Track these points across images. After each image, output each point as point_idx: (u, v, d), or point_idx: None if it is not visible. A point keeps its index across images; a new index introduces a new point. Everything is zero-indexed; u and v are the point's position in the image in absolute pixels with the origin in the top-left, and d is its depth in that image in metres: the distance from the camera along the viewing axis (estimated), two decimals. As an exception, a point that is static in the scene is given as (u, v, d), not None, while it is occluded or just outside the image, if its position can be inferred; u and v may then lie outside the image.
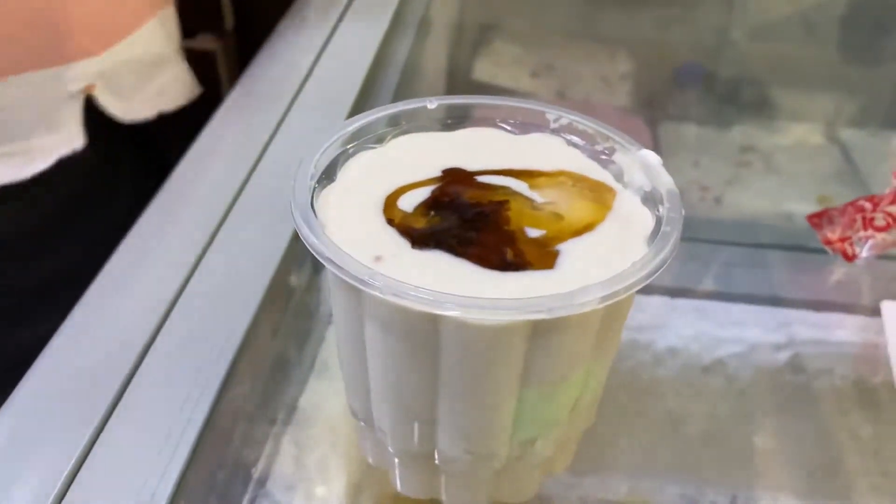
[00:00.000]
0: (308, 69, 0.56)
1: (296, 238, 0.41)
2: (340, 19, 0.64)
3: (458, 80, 0.77)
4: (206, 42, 0.95)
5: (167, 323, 0.36)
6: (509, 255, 0.24)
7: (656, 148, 0.69)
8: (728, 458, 0.40)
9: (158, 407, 0.32)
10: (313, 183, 0.26)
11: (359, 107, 0.53)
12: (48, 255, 0.54)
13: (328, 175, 0.27)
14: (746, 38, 0.85)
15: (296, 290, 0.43)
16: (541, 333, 0.23)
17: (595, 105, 0.76)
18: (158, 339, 0.35)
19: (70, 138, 0.52)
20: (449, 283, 0.23)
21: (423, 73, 0.72)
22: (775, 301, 0.47)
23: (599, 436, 0.34)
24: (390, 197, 0.26)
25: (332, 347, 0.43)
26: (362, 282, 0.22)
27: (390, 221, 0.25)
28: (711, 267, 0.50)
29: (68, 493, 0.29)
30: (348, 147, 0.28)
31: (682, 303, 0.47)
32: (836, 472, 0.40)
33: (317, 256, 0.23)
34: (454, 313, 0.21)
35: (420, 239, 0.24)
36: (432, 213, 0.25)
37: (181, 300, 0.37)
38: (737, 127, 0.72)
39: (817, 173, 0.65)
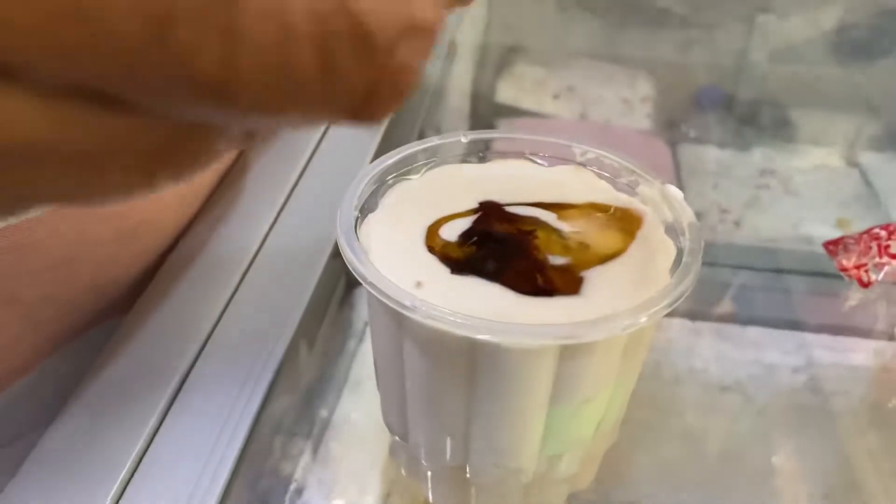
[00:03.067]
0: None
1: (329, 263, 0.43)
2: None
3: (482, 103, 0.79)
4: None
5: (209, 344, 0.38)
6: (539, 280, 0.25)
7: (676, 170, 0.70)
8: (745, 478, 0.41)
9: (202, 422, 0.34)
10: (356, 212, 0.28)
11: (390, 130, 0.56)
12: None
13: (370, 204, 0.29)
14: (767, 61, 0.86)
15: (330, 311, 0.45)
16: (569, 357, 0.25)
17: (616, 127, 0.77)
18: (200, 359, 0.37)
19: None
20: (484, 306, 0.24)
21: (448, 96, 0.74)
22: (794, 324, 0.48)
23: (619, 453, 0.35)
24: (431, 227, 0.28)
25: (363, 365, 0.45)
26: (404, 306, 0.24)
27: (431, 249, 0.27)
28: (731, 290, 0.51)
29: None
30: (388, 178, 0.30)
31: (702, 325, 0.48)
32: (853, 492, 0.41)
33: (361, 282, 0.25)
34: (490, 338, 0.23)
35: (458, 266, 0.26)
36: (469, 242, 0.27)
37: (223, 319, 0.39)
38: (756, 149, 0.73)
39: (836, 197, 0.66)
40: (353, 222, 0.28)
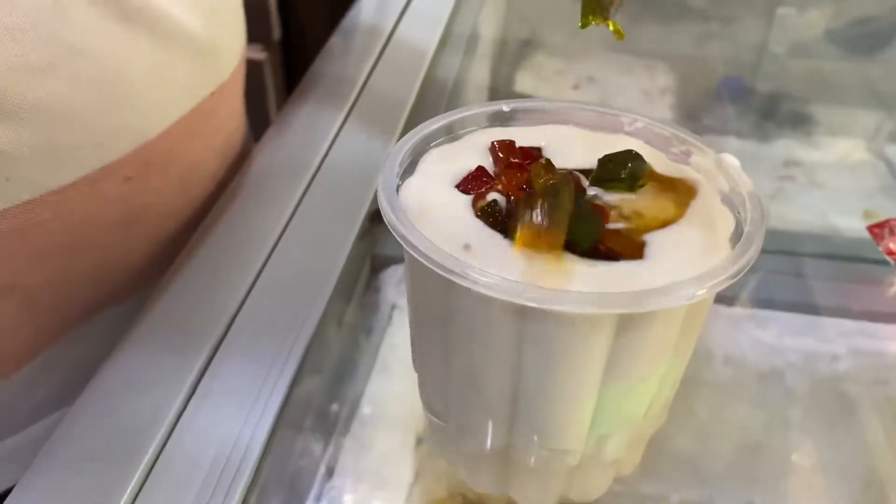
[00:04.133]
0: (363, 82, 0.57)
1: (355, 245, 0.42)
2: (391, 35, 0.65)
3: (501, 95, 0.78)
4: (253, 52, 0.97)
5: (232, 329, 0.37)
6: (601, 245, 0.24)
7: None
8: (780, 471, 0.40)
9: (228, 408, 0.33)
10: (398, 180, 0.27)
11: (413, 119, 0.54)
12: None
13: (410, 169, 0.28)
14: (788, 53, 0.85)
15: (356, 294, 0.44)
16: (626, 329, 0.23)
17: None
18: (224, 344, 0.36)
19: None
20: (539, 273, 0.23)
21: (467, 89, 0.73)
22: (834, 311, 0.47)
23: (652, 442, 0.34)
24: (478, 193, 0.26)
25: (391, 348, 0.43)
26: (451, 271, 0.23)
27: (478, 212, 0.25)
28: (770, 277, 0.50)
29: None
30: (428, 145, 0.29)
31: (739, 311, 0.47)
32: (892, 482, 0.39)
33: (405, 246, 0.24)
34: (546, 306, 0.22)
35: (510, 229, 0.25)
36: (522, 203, 0.26)
37: (247, 303, 0.38)
38: (780, 141, 0.72)
39: (863, 188, 0.65)
40: (395, 187, 0.26)
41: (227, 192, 0.46)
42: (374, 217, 0.46)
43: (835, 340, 0.46)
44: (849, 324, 0.46)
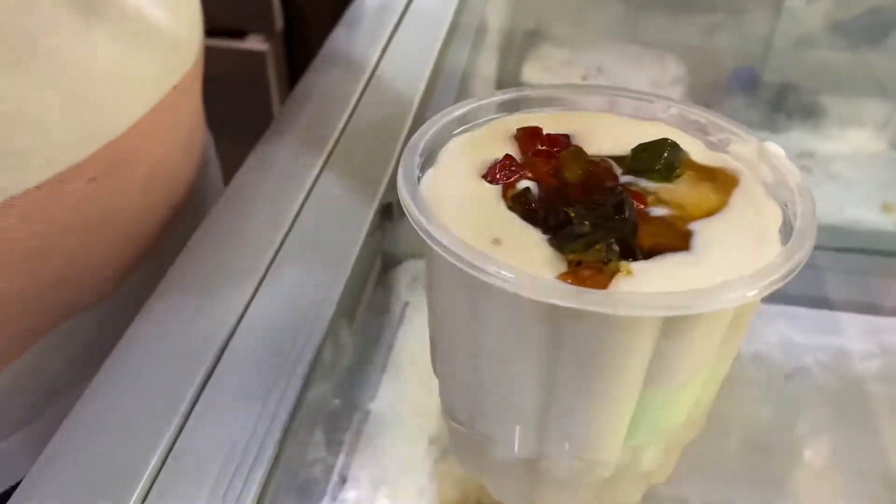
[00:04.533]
0: (369, 74, 0.55)
1: (365, 242, 0.40)
2: (396, 26, 0.63)
3: (510, 85, 0.76)
4: (255, 43, 0.95)
5: (238, 332, 0.35)
6: (644, 236, 0.22)
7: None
8: (806, 470, 0.39)
9: (235, 413, 0.31)
10: (418, 171, 0.25)
11: (422, 112, 0.52)
12: None
13: (431, 159, 0.26)
14: (797, 44, 0.83)
15: (366, 294, 0.42)
16: (671, 331, 0.21)
17: None
18: (229, 346, 0.34)
19: None
20: (576, 270, 0.21)
21: (474, 81, 0.71)
22: (866, 308, 0.45)
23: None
24: (507, 183, 0.24)
25: (402, 350, 0.41)
26: (479, 269, 0.21)
27: (509, 202, 0.23)
28: (798, 271, 0.48)
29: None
30: (451, 133, 0.27)
31: (766, 307, 0.45)
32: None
33: (430, 242, 0.22)
34: (587, 307, 0.20)
35: (543, 221, 0.23)
36: (555, 194, 0.24)
37: (252, 306, 0.36)
38: (793, 133, 0.70)
39: (880, 180, 0.63)
40: (416, 178, 0.24)
41: (231, 186, 0.44)
42: (385, 212, 0.44)
43: (867, 338, 0.44)
44: (883, 321, 0.44)
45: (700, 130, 0.28)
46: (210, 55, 0.61)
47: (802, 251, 0.22)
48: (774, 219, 0.24)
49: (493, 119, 0.28)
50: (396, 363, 0.40)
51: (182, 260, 0.39)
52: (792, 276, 0.21)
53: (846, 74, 0.75)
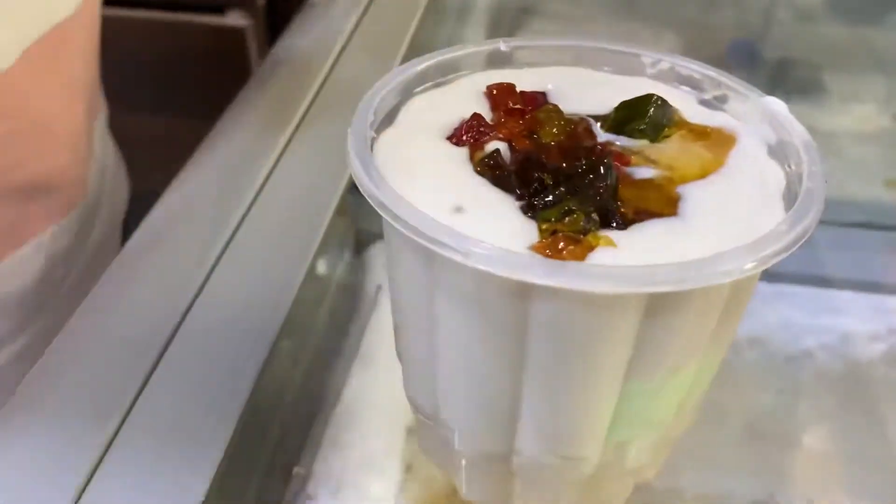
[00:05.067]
0: (337, 53, 0.52)
1: (334, 221, 0.37)
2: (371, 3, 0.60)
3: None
4: (235, 19, 0.92)
5: (190, 315, 0.32)
6: (627, 201, 0.19)
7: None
8: (807, 460, 0.37)
9: (185, 406, 0.28)
10: (372, 131, 0.22)
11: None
12: None
13: (388, 121, 0.23)
14: (797, 17, 0.81)
15: (337, 276, 0.39)
16: (657, 310, 0.19)
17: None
18: (180, 332, 0.31)
19: None
20: (550, 240, 0.18)
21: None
22: (873, 287, 0.42)
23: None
24: (475, 143, 0.21)
25: (376, 335, 0.39)
26: (436, 240, 0.18)
27: (479, 165, 0.21)
28: (800, 246, 0.45)
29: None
30: (412, 91, 0.24)
31: (765, 287, 0.42)
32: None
33: (379, 210, 0.19)
34: (557, 283, 0.17)
35: (512, 185, 0.20)
36: (527, 155, 0.21)
37: (207, 287, 0.33)
38: (792, 109, 0.68)
39: (882, 157, 0.61)
40: (369, 141, 0.21)
41: (191, 161, 0.41)
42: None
43: (874, 318, 0.41)
44: (891, 300, 0.42)
45: (693, 86, 0.25)
46: (187, 32, 0.58)
47: (809, 218, 0.19)
48: (777, 181, 0.21)
49: (461, 75, 0.25)
50: (368, 351, 0.37)
51: (134, 240, 0.36)
52: (798, 245, 0.18)
53: (848, 48, 0.73)
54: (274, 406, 0.31)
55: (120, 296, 0.33)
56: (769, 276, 0.43)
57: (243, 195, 0.38)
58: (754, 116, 0.23)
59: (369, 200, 0.19)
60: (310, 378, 0.35)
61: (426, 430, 0.26)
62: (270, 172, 0.40)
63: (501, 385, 0.21)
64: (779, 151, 0.22)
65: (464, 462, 0.25)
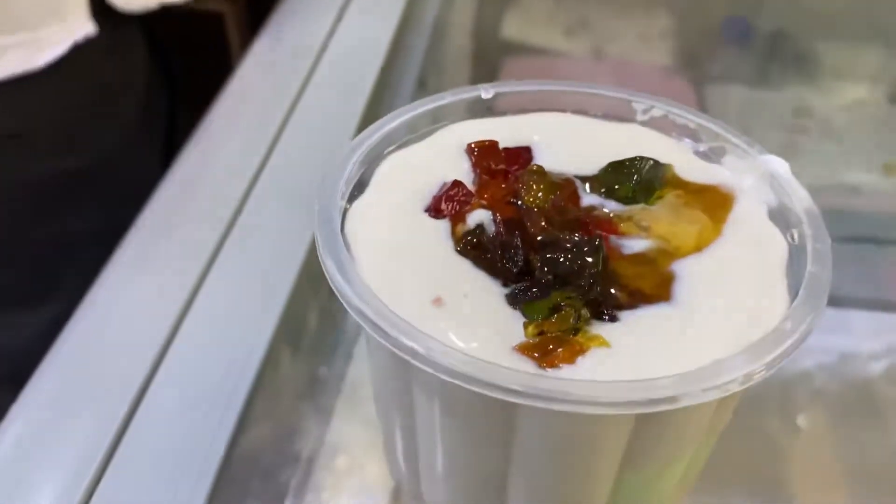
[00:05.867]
0: (330, 28, 0.50)
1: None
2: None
3: (487, 39, 0.71)
4: (215, 4, 0.89)
5: (169, 351, 0.30)
6: (620, 284, 0.18)
7: (702, 112, 0.63)
8: (805, 476, 0.35)
9: (162, 452, 0.27)
10: (344, 203, 0.20)
11: (385, 74, 0.47)
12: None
13: (361, 185, 0.21)
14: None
15: (318, 302, 0.37)
16: (650, 418, 0.17)
17: (634, 65, 0.70)
18: (161, 370, 0.30)
19: (78, 27, 0.50)
20: (538, 341, 0.17)
21: (450, 32, 0.66)
22: (871, 304, 0.41)
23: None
24: (455, 216, 0.20)
25: (359, 367, 0.37)
26: (412, 351, 0.16)
27: (461, 244, 0.19)
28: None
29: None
30: (385, 150, 0.22)
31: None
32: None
33: (347, 308, 0.17)
34: (542, 404, 0.15)
35: (496, 268, 0.18)
36: (508, 229, 0.19)
37: (190, 313, 0.32)
38: (789, 88, 0.66)
39: (882, 138, 0.59)
40: (339, 217, 0.20)
41: (168, 178, 0.39)
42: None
43: (874, 337, 0.40)
44: (892, 318, 0.40)
45: (689, 136, 0.23)
46: (165, 17, 0.57)
47: (817, 307, 0.17)
48: (779, 253, 0.20)
49: (441, 126, 0.23)
50: (353, 385, 0.36)
51: (111, 267, 0.34)
52: (803, 342, 0.17)
53: (842, 22, 0.71)
54: (254, 458, 0.30)
55: (95, 331, 0.31)
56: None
57: (225, 210, 0.36)
58: (754, 174, 0.22)
59: (339, 298, 0.18)
60: (291, 418, 0.34)
61: (410, 498, 0.24)
62: (253, 182, 0.38)
63: (485, 481, 0.20)
64: (780, 216, 0.21)
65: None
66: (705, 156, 0.23)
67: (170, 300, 0.32)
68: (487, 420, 0.17)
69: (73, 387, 0.30)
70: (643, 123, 0.24)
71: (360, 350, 0.38)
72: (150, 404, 0.29)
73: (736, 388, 0.16)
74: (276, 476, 0.31)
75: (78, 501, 0.26)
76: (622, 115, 0.24)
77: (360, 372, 0.37)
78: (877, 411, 0.38)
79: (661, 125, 0.23)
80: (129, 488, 0.26)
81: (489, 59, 0.68)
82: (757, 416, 0.38)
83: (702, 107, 0.61)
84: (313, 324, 0.37)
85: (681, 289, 0.18)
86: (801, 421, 0.38)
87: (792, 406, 0.38)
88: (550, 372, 0.16)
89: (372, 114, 0.44)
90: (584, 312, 0.17)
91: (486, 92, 0.24)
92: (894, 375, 0.39)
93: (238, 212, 0.37)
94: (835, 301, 0.41)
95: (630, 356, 0.17)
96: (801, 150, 0.58)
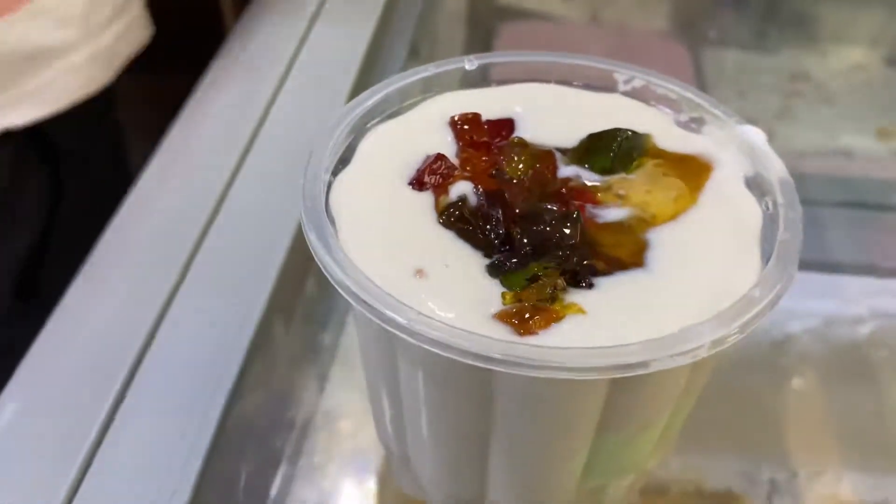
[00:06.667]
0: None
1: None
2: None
3: (482, 3, 0.71)
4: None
5: (168, 314, 0.31)
6: (596, 252, 0.19)
7: (698, 77, 0.62)
8: (791, 435, 0.36)
9: (159, 422, 0.28)
10: (328, 176, 0.21)
11: (378, 38, 0.47)
12: None
13: (345, 159, 0.22)
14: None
15: (312, 272, 0.38)
16: (624, 382, 0.18)
17: (631, 30, 0.70)
18: (160, 332, 0.30)
19: None
20: (517, 309, 0.17)
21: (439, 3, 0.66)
22: (857, 269, 0.42)
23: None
24: (438, 188, 0.20)
25: (352, 337, 0.38)
26: (395, 323, 0.17)
27: (444, 216, 0.20)
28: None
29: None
30: (369, 123, 0.23)
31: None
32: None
33: (330, 280, 0.18)
34: (517, 370, 0.16)
35: (482, 241, 0.19)
36: (489, 201, 0.20)
37: (182, 288, 0.32)
38: (786, 52, 0.66)
39: (876, 102, 0.59)
40: (324, 190, 0.20)
41: (161, 147, 0.39)
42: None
43: (858, 301, 0.41)
44: (876, 282, 0.41)
45: (669, 106, 0.24)
46: None
47: (787, 273, 0.18)
48: (754, 220, 0.20)
49: (425, 98, 0.24)
50: (346, 354, 0.37)
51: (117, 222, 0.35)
52: (772, 309, 0.18)
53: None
54: (249, 422, 0.31)
55: (90, 311, 0.32)
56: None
57: (215, 186, 0.37)
58: (732, 144, 0.22)
59: (323, 271, 0.18)
60: (286, 389, 0.35)
61: (399, 466, 0.25)
62: (247, 149, 0.38)
63: (469, 444, 0.20)
64: (756, 185, 0.21)
65: (435, 501, 0.24)
66: (685, 125, 0.23)
67: (163, 270, 0.33)
68: (468, 386, 0.18)
69: (71, 353, 0.30)
70: (625, 93, 0.24)
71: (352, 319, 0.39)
72: (147, 372, 0.29)
73: (703, 353, 0.16)
74: (271, 442, 0.32)
75: (79, 464, 0.27)
76: (604, 85, 0.24)
77: (353, 340, 0.37)
78: (862, 373, 0.39)
79: (643, 95, 0.24)
80: (126, 453, 0.27)
81: (484, 24, 0.68)
82: (745, 377, 0.39)
83: (698, 71, 0.61)
84: (308, 292, 0.38)
85: (656, 256, 0.19)
86: (789, 382, 0.39)
87: (780, 368, 0.39)
88: (528, 339, 0.17)
89: (363, 82, 0.44)
90: (561, 282, 0.18)
91: (470, 64, 0.24)
92: (880, 338, 0.40)
93: (230, 184, 0.37)
94: (825, 266, 0.42)
95: (604, 322, 0.17)
96: (795, 114, 0.58)
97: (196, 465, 0.26)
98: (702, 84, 0.61)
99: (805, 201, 0.41)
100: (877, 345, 0.40)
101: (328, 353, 0.37)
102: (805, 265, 0.42)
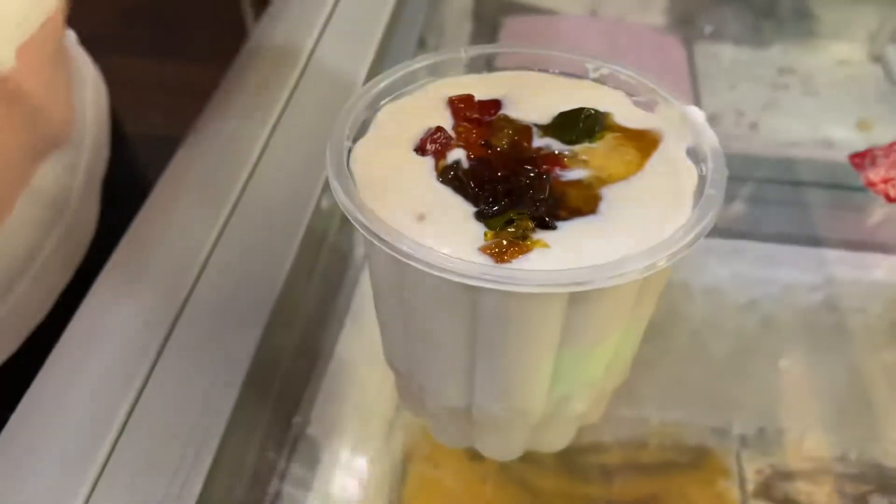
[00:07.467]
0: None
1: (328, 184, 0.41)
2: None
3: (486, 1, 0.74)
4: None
5: (203, 276, 0.36)
6: (559, 202, 0.24)
7: (691, 70, 0.66)
8: (758, 393, 0.41)
9: (198, 364, 0.33)
10: (349, 143, 0.26)
11: (389, 32, 0.52)
12: None
13: (362, 130, 0.27)
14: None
15: (329, 236, 0.43)
16: (578, 301, 0.23)
17: (629, 25, 0.73)
18: (196, 291, 0.36)
19: None
20: (496, 243, 0.23)
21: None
22: (812, 241, 0.46)
23: (631, 371, 0.34)
24: (438, 153, 0.26)
25: (365, 294, 0.43)
26: (400, 251, 0.22)
27: (442, 175, 0.25)
28: (748, 205, 0.49)
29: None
30: (381, 102, 0.28)
31: (717, 242, 0.46)
32: (866, 406, 0.40)
33: (355, 224, 0.23)
34: (494, 286, 0.21)
35: (469, 193, 0.24)
36: (479, 170, 0.25)
37: (214, 256, 0.37)
38: (776, 46, 0.69)
39: (858, 95, 0.62)
40: (346, 153, 0.25)
41: (190, 136, 0.45)
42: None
43: (814, 270, 0.45)
44: (829, 253, 0.46)
45: (628, 91, 0.29)
46: None
47: (708, 218, 0.23)
48: (692, 181, 0.25)
49: (427, 82, 0.29)
50: (359, 309, 0.42)
51: (155, 196, 0.40)
52: (695, 243, 0.23)
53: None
54: (276, 360, 0.36)
55: (129, 271, 0.37)
56: (727, 233, 0.47)
57: (242, 166, 0.42)
58: (678, 121, 0.27)
59: (346, 214, 0.23)
60: (307, 334, 0.40)
61: (403, 386, 0.31)
62: (267, 141, 0.43)
63: (460, 355, 0.26)
64: (694, 154, 0.26)
65: (433, 412, 0.30)
66: (641, 105, 0.28)
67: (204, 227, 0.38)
68: (458, 304, 0.23)
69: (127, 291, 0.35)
70: (594, 80, 0.29)
71: (364, 277, 0.44)
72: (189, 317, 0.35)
73: (636, 276, 0.22)
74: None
75: (136, 386, 0.32)
76: (577, 72, 0.29)
77: (365, 296, 0.42)
78: (817, 335, 0.44)
79: (608, 81, 0.29)
80: (167, 394, 0.32)
81: (490, 18, 0.72)
82: (717, 342, 0.43)
83: (692, 65, 0.65)
84: (326, 254, 0.43)
85: (607, 206, 0.24)
86: (751, 345, 0.43)
87: (742, 331, 0.43)
88: (504, 265, 0.22)
89: (377, 68, 0.49)
90: (531, 224, 0.23)
91: (465, 53, 0.29)
92: (831, 304, 0.44)
93: (260, 157, 0.42)
94: (807, 239, 0.46)
95: (564, 254, 0.22)
96: (781, 105, 0.62)
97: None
98: (695, 76, 0.65)
99: (767, 179, 0.46)
100: (830, 309, 0.44)
101: (343, 306, 0.42)
102: (767, 237, 0.47)
